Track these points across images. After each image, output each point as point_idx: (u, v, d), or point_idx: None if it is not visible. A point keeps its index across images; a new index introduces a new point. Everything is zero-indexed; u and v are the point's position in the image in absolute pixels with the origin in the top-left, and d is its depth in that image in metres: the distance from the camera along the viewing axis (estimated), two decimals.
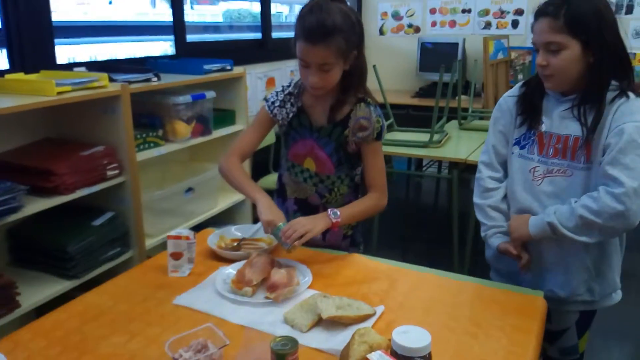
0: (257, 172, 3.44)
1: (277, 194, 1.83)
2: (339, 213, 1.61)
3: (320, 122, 1.68)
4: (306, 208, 1.75)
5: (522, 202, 1.59)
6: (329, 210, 1.61)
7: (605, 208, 1.39)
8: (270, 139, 3.38)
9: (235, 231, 1.79)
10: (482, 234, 1.68)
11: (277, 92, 1.74)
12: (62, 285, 2.01)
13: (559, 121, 1.52)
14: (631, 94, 1.44)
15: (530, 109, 1.58)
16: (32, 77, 2.16)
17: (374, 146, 1.69)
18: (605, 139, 1.43)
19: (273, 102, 1.72)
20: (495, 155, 1.69)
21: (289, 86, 1.73)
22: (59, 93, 1.95)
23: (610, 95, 1.45)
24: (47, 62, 2.38)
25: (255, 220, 1.83)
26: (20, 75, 2.15)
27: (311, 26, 1.50)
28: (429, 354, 1.01)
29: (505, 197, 1.66)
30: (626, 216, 1.38)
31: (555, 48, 1.43)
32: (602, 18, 1.42)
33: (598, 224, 1.40)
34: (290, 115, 1.71)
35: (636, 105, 1.43)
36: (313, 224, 1.56)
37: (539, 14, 1.46)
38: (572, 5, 1.41)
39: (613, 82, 1.46)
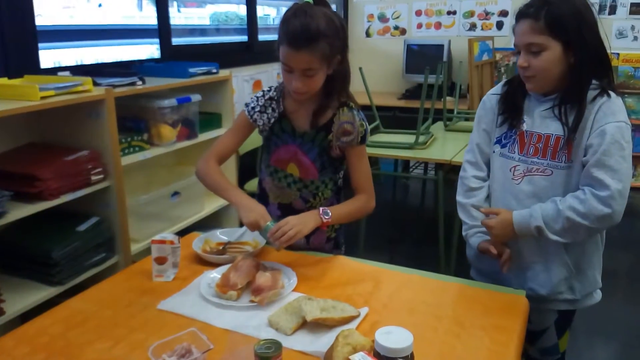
0: (244, 176, 3.44)
1: (259, 199, 1.82)
2: (330, 213, 1.61)
3: (303, 128, 1.67)
4: (290, 213, 1.71)
5: (502, 200, 1.61)
6: (320, 209, 1.61)
7: (592, 210, 1.42)
8: (257, 141, 3.39)
9: (220, 235, 1.79)
10: (463, 233, 1.70)
11: (257, 97, 1.72)
12: (47, 292, 1.99)
13: (540, 120, 1.54)
14: (612, 93, 1.47)
15: (511, 109, 1.59)
16: (16, 82, 2.15)
17: (358, 150, 1.69)
18: (587, 139, 1.45)
19: (253, 108, 1.70)
20: (480, 154, 1.70)
21: (269, 91, 1.72)
22: (43, 98, 1.94)
23: (591, 94, 1.47)
24: (31, 66, 2.37)
25: (242, 223, 1.83)
26: (3, 80, 2.13)
27: (295, 31, 1.48)
28: (411, 354, 1.01)
29: (488, 196, 1.68)
30: (612, 217, 1.42)
31: (536, 49, 1.45)
32: (583, 19, 1.44)
33: (585, 226, 1.44)
34: (272, 120, 1.70)
35: (617, 105, 1.46)
36: (303, 224, 1.56)
37: (520, 15, 1.48)
38: (552, 7, 1.42)
39: (593, 82, 1.48)
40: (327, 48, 1.51)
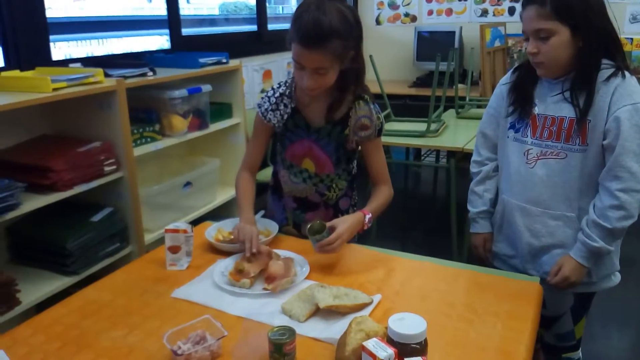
0: None
1: (272, 191, 1.82)
2: (371, 218, 1.61)
3: (318, 122, 1.65)
4: (306, 205, 1.74)
5: (517, 185, 1.62)
6: (365, 216, 1.59)
7: (632, 206, 1.45)
8: None
9: (233, 224, 1.79)
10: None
11: (268, 96, 1.68)
12: (61, 282, 2.02)
13: (553, 104, 1.54)
14: (626, 73, 1.46)
15: (522, 98, 1.60)
16: (28, 74, 2.16)
17: (375, 143, 1.69)
18: (605, 122, 1.45)
19: (266, 109, 1.67)
20: (483, 138, 1.76)
21: (279, 87, 1.68)
22: (55, 89, 1.96)
23: (604, 73, 1.46)
24: (43, 58, 2.39)
25: (255, 212, 1.83)
26: (16, 73, 2.15)
27: (307, 29, 1.43)
28: (425, 340, 1.02)
29: (483, 179, 1.75)
30: None
31: (545, 35, 1.45)
32: (588, 1, 1.43)
33: (633, 219, 1.48)
34: (285, 116, 1.67)
35: (633, 85, 1.46)
36: (350, 235, 1.55)
37: (527, 1, 1.48)
38: None
39: (605, 62, 1.47)
40: (339, 46, 1.45)
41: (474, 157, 1.79)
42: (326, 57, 1.46)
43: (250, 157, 1.78)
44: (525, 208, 1.60)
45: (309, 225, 1.52)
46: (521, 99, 1.60)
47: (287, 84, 1.68)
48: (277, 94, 1.67)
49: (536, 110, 1.57)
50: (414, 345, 1.00)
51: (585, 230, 1.50)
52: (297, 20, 1.46)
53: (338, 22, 1.44)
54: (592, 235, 1.48)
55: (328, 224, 1.53)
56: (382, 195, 1.71)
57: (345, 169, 1.73)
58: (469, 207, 1.79)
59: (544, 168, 1.55)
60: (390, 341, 1.01)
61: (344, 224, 1.54)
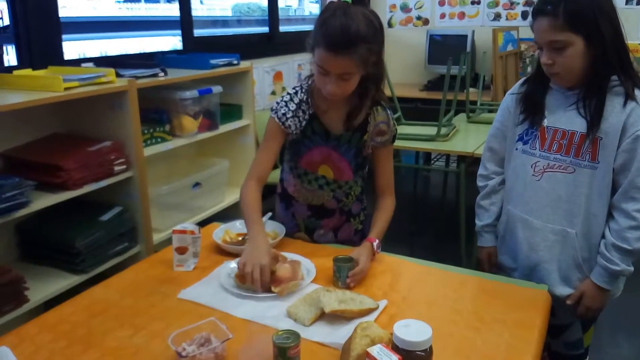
0: None
1: (281, 199, 1.78)
2: (379, 244, 1.58)
3: (337, 129, 1.62)
4: (321, 212, 1.72)
5: (521, 196, 1.60)
6: (374, 244, 1.56)
7: None
8: None
9: (240, 226, 1.79)
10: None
11: (285, 102, 1.61)
12: (70, 280, 2.03)
13: (565, 116, 1.51)
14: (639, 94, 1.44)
15: (532, 107, 1.58)
16: (40, 73, 2.18)
17: (388, 150, 1.68)
18: (619, 142, 1.43)
19: (284, 114, 1.60)
20: (490, 152, 1.75)
21: (296, 93, 1.63)
22: (67, 89, 1.97)
23: (618, 90, 1.43)
24: (55, 58, 2.40)
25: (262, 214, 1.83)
26: (28, 71, 2.16)
27: (335, 35, 1.39)
28: (430, 347, 1.01)
29: (489, 193, 1.74)
30: None
31: (560, 46, 1.42)
32: (600, 10, 1.41)
33: None
34: (303, 123, 1.62)
35: None
36: (369, 264, 1.50)
37: (537, 13, 1.45)
38: (569, 1, 1.39)
39: (615, 79, 1.44)
40: (366, 52, 1.43)
41: (480, 171, 1.77)
42: (353, 62, 1.43)
43: (260, 167, 1.65)
44: (527, 220, 1.58)
45: (336, 258, 1.47)
46: (531, 107, 1.58)
47: (304, 90, 1.63)
48: (295, 100, 1.62)
49: (545, 122, 1.54)
50: (419, 353, 0.99)
51: (605, 255, 1.47)
52: (323, 26, 1.42)
53: (365, 27, 1.41)
54: (613, 259, 1.46)
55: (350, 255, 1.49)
56: (386, 212, 1.68)
57: (361, 175, 1.72)
58: (476, 221, 1.78)
59: (550, 181, 1.53)
60: (395, 348, 1.00)
61: (364, 256, 1.49)
